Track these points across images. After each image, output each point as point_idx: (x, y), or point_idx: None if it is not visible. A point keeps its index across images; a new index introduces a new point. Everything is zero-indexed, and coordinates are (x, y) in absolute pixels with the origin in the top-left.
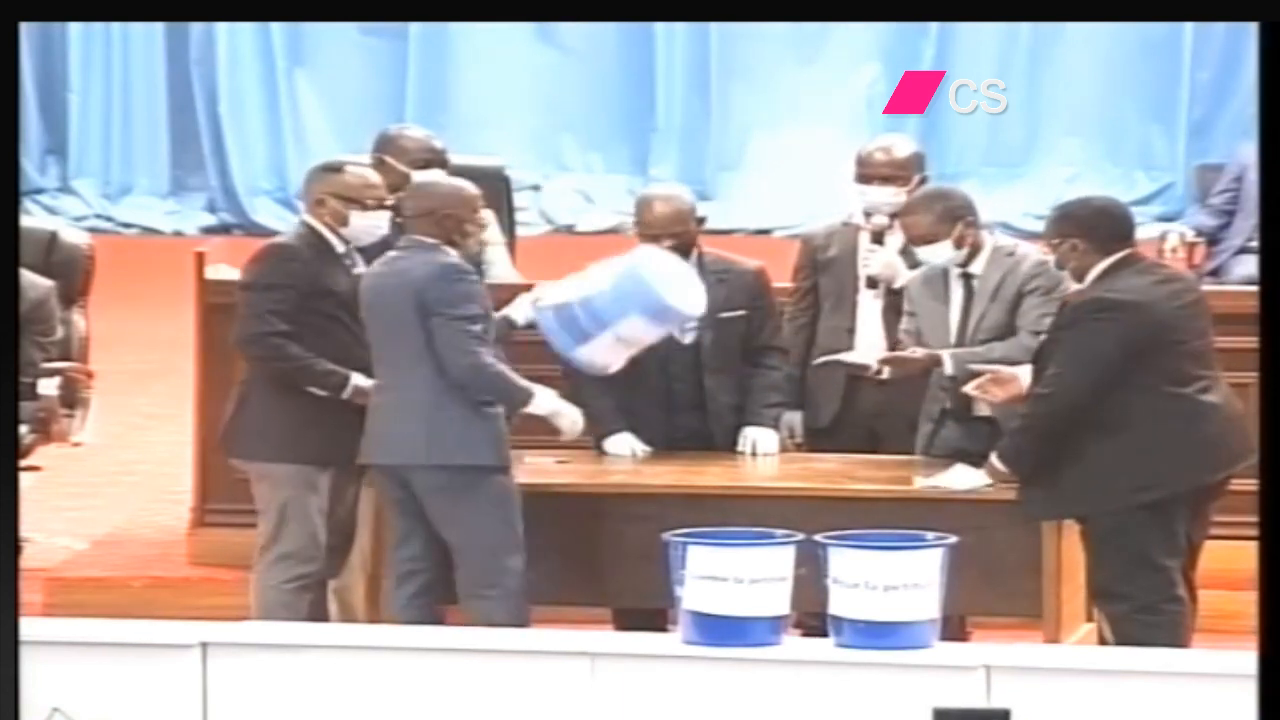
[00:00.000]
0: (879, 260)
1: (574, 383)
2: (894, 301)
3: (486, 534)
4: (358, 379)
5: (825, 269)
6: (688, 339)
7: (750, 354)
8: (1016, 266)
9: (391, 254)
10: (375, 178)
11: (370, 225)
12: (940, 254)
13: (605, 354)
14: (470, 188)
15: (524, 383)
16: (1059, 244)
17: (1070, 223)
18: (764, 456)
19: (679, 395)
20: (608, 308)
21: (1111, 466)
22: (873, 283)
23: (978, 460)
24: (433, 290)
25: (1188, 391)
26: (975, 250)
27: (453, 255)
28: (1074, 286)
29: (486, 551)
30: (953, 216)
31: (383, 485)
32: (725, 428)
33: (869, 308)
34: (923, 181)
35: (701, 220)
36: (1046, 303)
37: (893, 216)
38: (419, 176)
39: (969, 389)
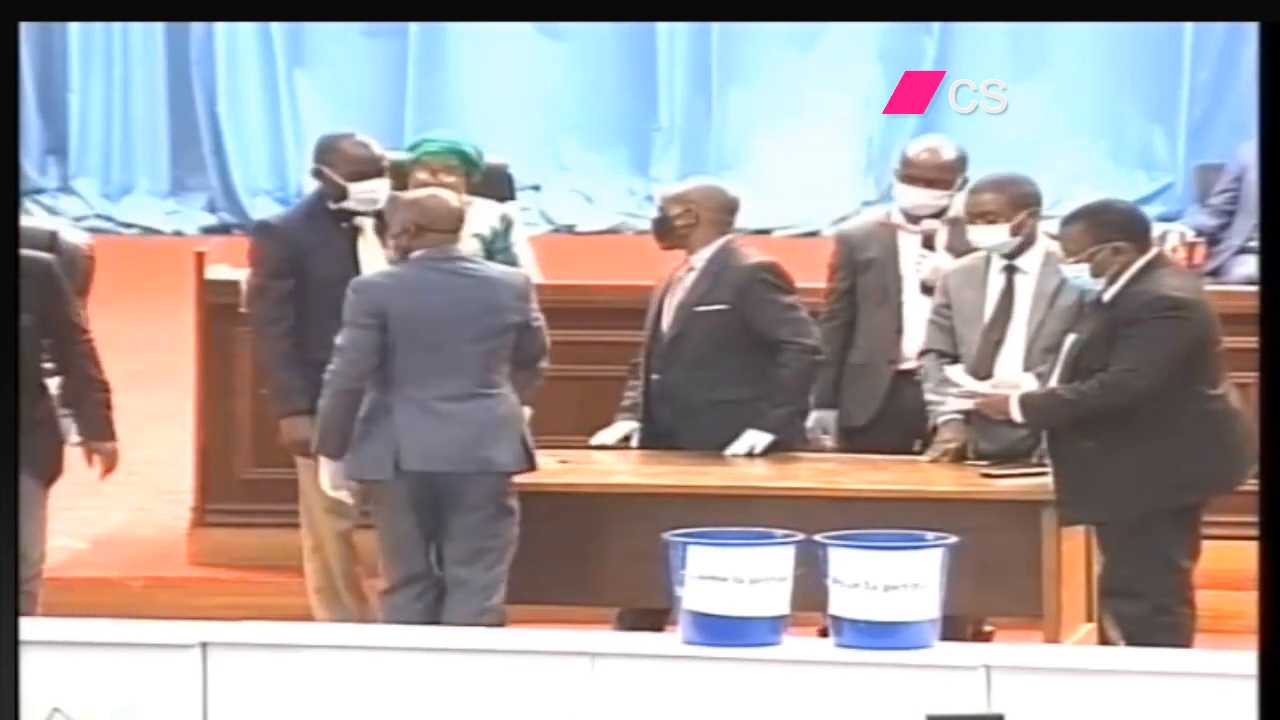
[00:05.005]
0: (930, 265)
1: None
2: None
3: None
4: None
5: (865, 269)
6: (671, 332)
7: (767, 350)
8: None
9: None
10: None
11: None
12: (995, 236)
13: None
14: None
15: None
16: (1097, 251)
17: (1107, 227)
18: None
19: (655, 387)
20: None
21: (1153, 470)
22: (926, 288)
23: (995, 459)
24: (524, 301)
25: (1220, 393)
26: (1027, 244)
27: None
28: (1099, 287)
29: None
30: (1020, 203)
31: (408, 497)
32: (699, 425)
33: (916, 309)
34: (964, 184)
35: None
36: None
37: (936, 217)
38: (354, 188)
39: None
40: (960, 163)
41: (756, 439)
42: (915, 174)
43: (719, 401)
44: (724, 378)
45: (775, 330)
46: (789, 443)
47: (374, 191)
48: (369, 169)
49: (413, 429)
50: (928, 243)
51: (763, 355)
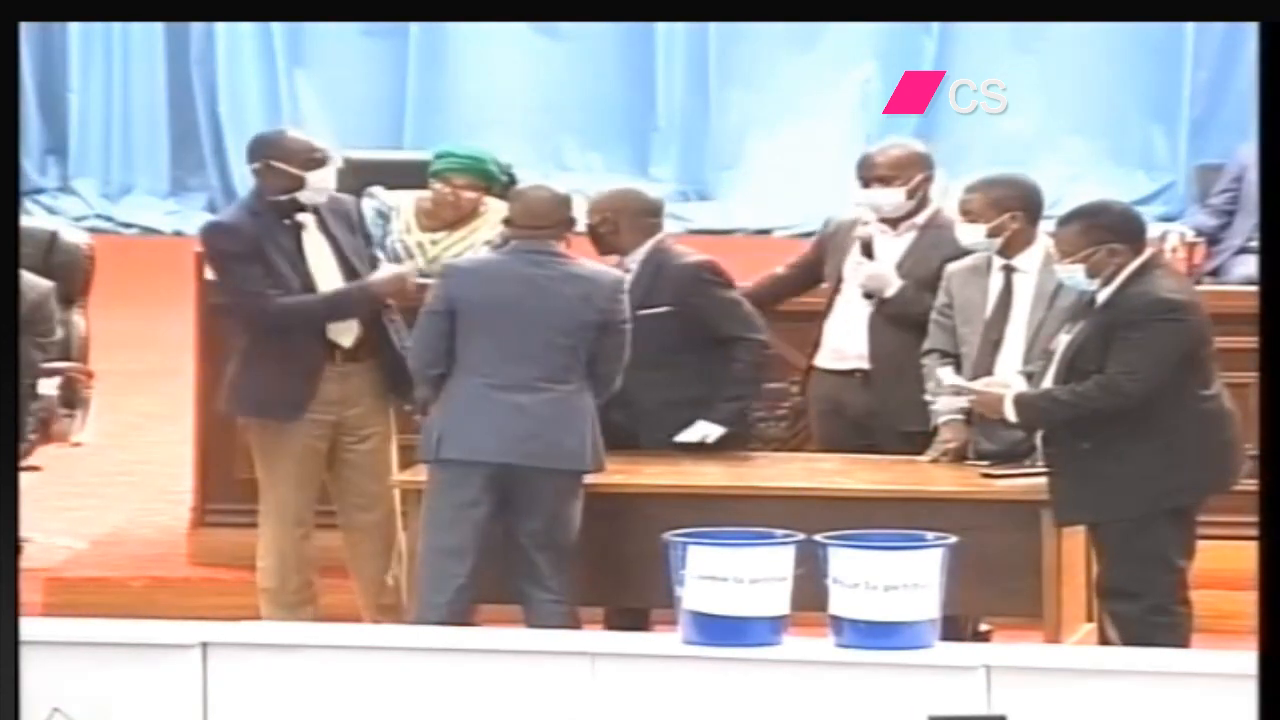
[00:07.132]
0: (865, 272)
1: None
2: (884, 310)
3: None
4: None
5: (830, 256)
6: None
7: (716, 346)
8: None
9: (544, 258)
10: None
11: None
12: (971, 235)
13: None
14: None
15: None
16: (1093, 253)
17: (1102, 229)
18: (708, 448)
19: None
20: None
21: (1148, 470)
22: (867, 295)
23: (996, 459)
24: (614, 302)
25: (1214, 393)
26: (1019, 245)
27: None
28: (1092, 288)
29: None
30: (1001, 205)
31: (468, 485)
32: (657, 425)
33: (853, 305)
34: (926, 180)
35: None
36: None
37: (894, 221)
38: (312, 177)
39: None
40: (912, 159)
41: (708, 429)
42: (868, 175)
43: (674, 402)
44: (675, 378)
45: (723, 326)
46: (741, 434)
47: (326, 180)
48: (317, 158)
49: (468, 415)
50: (866, 250)
51: (712, 352)
